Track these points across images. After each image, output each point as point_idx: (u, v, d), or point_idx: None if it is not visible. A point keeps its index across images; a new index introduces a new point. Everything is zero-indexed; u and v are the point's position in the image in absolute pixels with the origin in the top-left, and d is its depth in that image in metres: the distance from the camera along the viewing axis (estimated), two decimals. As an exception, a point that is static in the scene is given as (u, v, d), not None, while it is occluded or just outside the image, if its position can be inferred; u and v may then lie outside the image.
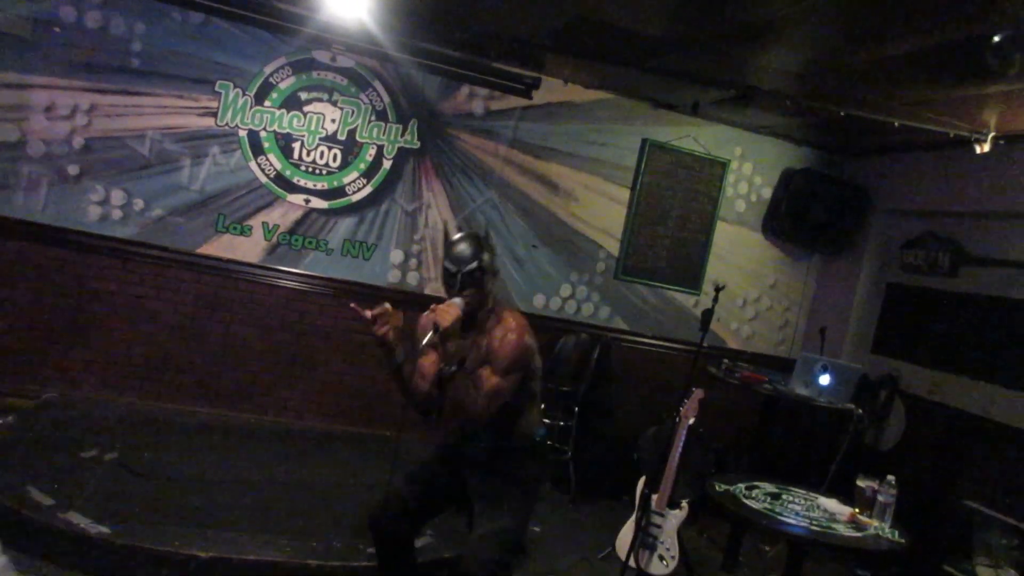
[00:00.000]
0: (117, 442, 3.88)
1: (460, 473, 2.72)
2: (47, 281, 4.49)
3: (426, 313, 2.57)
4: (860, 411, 4.09)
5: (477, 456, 2.67)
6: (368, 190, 4.91)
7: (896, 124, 4.30)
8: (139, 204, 4.57)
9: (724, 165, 5.49)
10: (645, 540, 3.89)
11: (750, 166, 5.57)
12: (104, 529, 3.03)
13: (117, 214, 4.55)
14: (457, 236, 2.63)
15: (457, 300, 2.54)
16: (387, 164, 4.92)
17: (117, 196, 4.54)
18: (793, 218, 5.47)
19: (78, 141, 4.47)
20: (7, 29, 4.24)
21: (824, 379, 4.20)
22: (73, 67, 4.41)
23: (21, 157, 4.40)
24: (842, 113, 4.39)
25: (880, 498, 2.98)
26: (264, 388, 4.82)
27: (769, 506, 2.98)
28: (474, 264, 2.55)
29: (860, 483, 3.08)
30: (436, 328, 2.43)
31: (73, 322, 4.54)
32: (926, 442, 4.68)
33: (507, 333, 2.56)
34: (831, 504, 3.14)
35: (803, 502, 3.12)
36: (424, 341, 2.43)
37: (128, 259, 4.57)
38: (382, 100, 4.87)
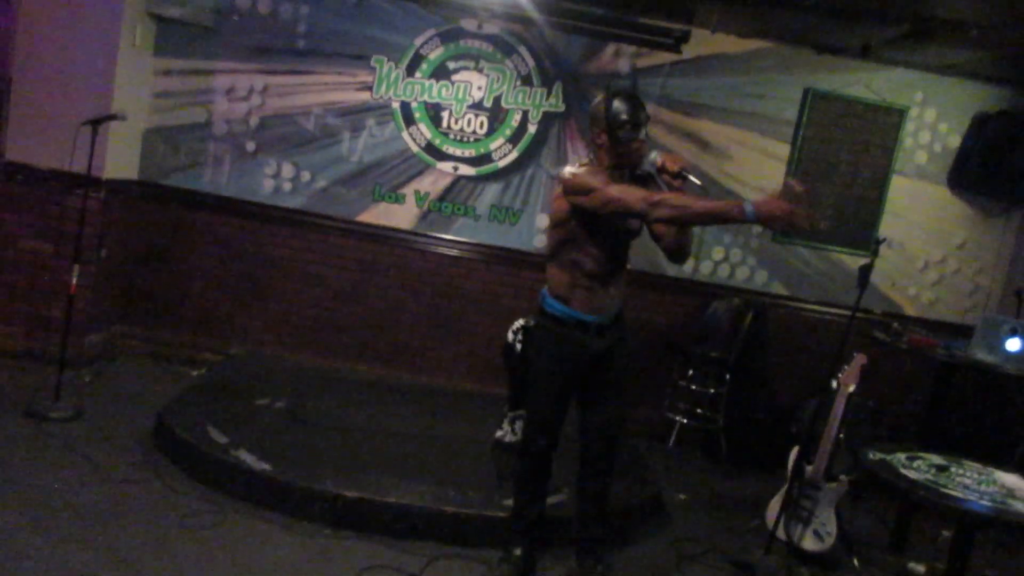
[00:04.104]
0: (286, 393, 4.24)
1: (597, 361, 2.85)
2: (232, 248, 4.98)
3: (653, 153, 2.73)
4: (1059, 382, 3.55)
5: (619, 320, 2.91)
6: (514, 155, 4.95)
7: (1115, 49, 3.65)
8: (306, 176, 4.93)
9: (901, 113, 4.95)
10: (799, 514, 3.65)
11: (933, 112, 4.97)
12: (267, 466, 3.33)
13: (287, 186, 4.94)
14: (628, 94, 2.72)
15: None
16: (532, 129, 4.93)
17: (287, 169, 4.93)
18: (987, 169, 4.81)
19: (254, 120, 4.90)
20: (194, 20, 4.71)
21: (1013, 344, 3.66)
22: (249, 51, 4.83)
23: (208, 136, 4.90)
24: (1044, 41, 3.80)
25: (1073, 475, 2.58)
26: (417, 349, 5.05)
27: (933, 478, 2.67)
28: None
29: (1049, 458, 2.68)
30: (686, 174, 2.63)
31: (254, 286, 5.01)
32: None
33: None
34: (1010, 479, 2.76)
35: (976, 476, 2.76)
36: (697, 181, 2.64)
37: (297, 227, 4.96)
38: (527, 65, 4.88)
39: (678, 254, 2.88)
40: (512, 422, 3.01)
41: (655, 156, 2.68)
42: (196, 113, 4.88)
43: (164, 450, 3.61)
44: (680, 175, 2.63)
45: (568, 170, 2.73)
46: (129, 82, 4.54)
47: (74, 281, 3.92)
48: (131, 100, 4.54)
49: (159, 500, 3.19)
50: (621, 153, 2.69)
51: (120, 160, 4.64)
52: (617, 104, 2.64)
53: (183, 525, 3.02)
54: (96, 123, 3.83)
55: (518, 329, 2.77)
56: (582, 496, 3.05)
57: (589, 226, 2.71)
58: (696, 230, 3.02)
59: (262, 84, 4.87)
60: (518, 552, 2.97)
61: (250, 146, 4.91)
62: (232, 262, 4.99)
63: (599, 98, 2.72)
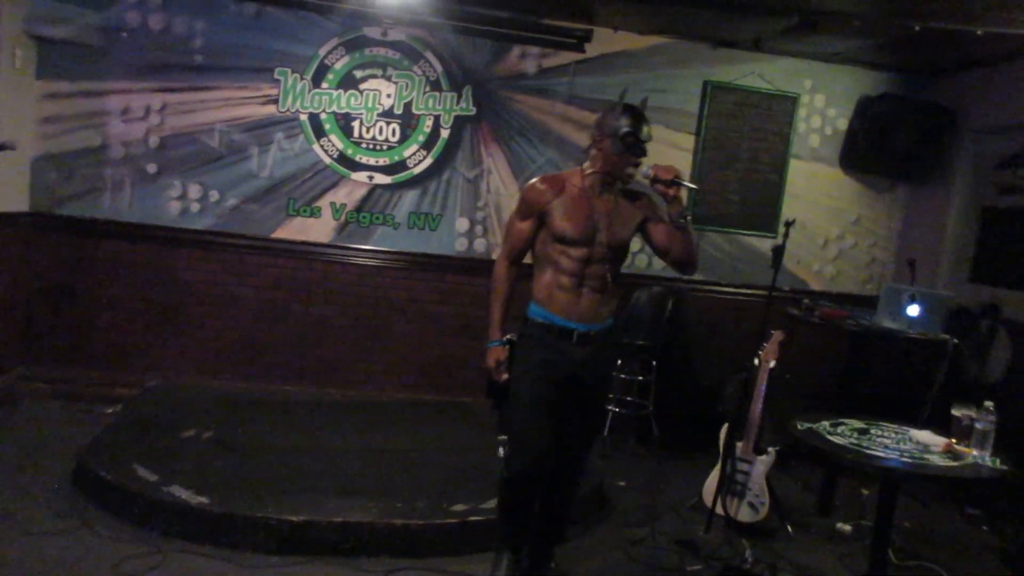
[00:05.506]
0: (213, 422, 4.08)
1: (577, 375, 2.75)
2: (140, 276, 4.75)
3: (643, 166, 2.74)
4: (955, 341, 3.85)
5: (605, 337, 2.80)
6: (429, 161, 4.94)
7: (979, 33, 3.98)
8: (214, 195, 4.76)
9: (794, 100, 5.23)
10: (733, 488, 3.82)
11: (822, 98, 5.29)
12: (204, 500, 3.20)
13: (195, 207, 4.76)
14: (638, 112, 2.71)
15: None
16: (445, 134, 4.93)
17: (194, 190, 4.75)
18: (873, 148, 5.16)
19: (154, 140, 4.69)
20: (78, 40, 4.47)
21: (913, 310, 3.96)
22: (142, 70, 4.61)
23: (104, 161, 4.65)
24: (917, 28, 4.09)
25: (978, 426, 2.81)
26: (346, 363, 4.97)
27: (856, 441, 2.86)
28: None
29: (955, 412, 2.91)
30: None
31: (167, 313, 4.79)
32: (1036, 372, 4.36)
33: None
34: (924, 436, 2.98)
35: (893, 436, 2.97)
36: (692, 185, 2.77)
37: (209, 249, 4.78)
38: (435, 70, 4.88)
39: (685, 267, 2.83)
40: (497, 447, 2.93)
41: (648, 169, 2.71)
42: (89, 137, 4.63)
43: (88, 495, 3.41)
44: (674, 183, 2.66)
45: (534, 180, 2.77)
46: (11, 108, 4.27)
47: (-31, 324, 3.66)
48: (15, 127, 4.26)
49: (90, 549, 3.01)
50: (615, 164, 2.71)
51: (8, 191, 4.35)
52: (625, 117, 2.67)
53: (120, 572, 2.87)
54: (-19, 154, 3.58)
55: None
56: (545, 506, 2.99)
57: (555, 219, 2.71)
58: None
59: (159, 103, 4.66)
60: (510, 557, 2.90)
61: (151, 168, 4.70)
62: (141, 290, 4.76)
63: (612, 106, 2.75)
